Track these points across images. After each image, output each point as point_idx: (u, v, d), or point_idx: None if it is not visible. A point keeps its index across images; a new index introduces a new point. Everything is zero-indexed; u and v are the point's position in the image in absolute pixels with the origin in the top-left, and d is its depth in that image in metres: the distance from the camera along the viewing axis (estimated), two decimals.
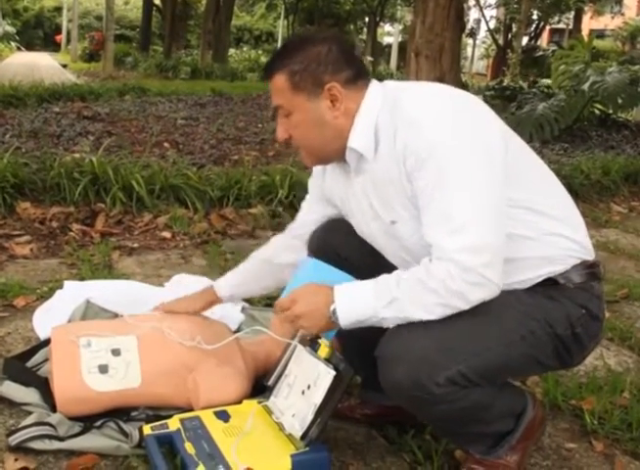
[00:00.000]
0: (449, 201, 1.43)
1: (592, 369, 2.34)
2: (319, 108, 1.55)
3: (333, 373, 1.54)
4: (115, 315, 2.25)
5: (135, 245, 3.41)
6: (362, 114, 1.55)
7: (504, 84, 10.21)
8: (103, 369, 1.72)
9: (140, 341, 1.78)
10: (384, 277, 1.48)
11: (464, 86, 10.38)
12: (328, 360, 1.58)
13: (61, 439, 1.64)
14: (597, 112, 7.99)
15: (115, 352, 1.74)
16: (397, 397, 1.50)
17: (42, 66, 24.09)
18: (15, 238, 3.37)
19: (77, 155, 4.52)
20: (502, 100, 8.00)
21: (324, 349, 1.60)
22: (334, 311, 1.48)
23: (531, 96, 7.82)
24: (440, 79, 9.20)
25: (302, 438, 1.55)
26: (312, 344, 1.65)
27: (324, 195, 1.85)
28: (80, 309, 2.24)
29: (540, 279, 1.56)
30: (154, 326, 1.81)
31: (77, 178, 3.88)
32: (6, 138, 5.21)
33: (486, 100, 8.05)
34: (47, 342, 2.09)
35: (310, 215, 1.92)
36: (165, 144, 5.71)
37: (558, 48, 13.40)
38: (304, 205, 1.96)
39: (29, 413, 1.77)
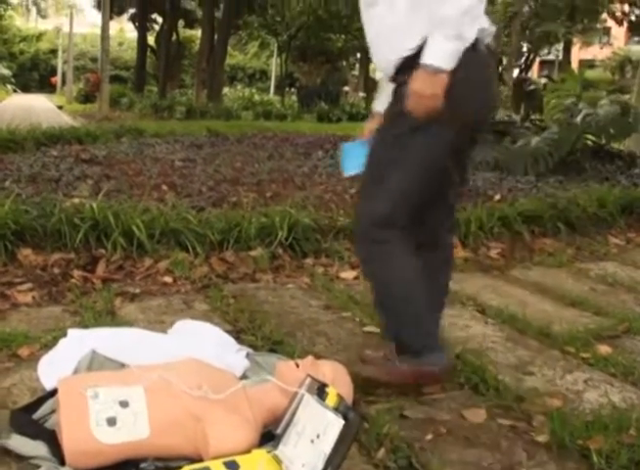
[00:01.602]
0: None
1: (597, 407, 2.35)
2: None
3: (342, 422, 1.55)
4: (122, 365, 2.25)
5: (137, 291, 3.42)
6: None
7: (497, 118, 10.29)
8: (111, 422, 1.72)
9: (147, 391, 1.79)
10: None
11: None
12: (336, 409, 1.59)
13: None
14: (590, 143, 8.05)
15: (123, 404, 1.75)
16: None
17: (38, 108, 24.30)
18: (17, 286, 3.37)
19: (77, 200, 4.55)
20: (496, 134, 8.06)
21: (332, 397, 1.61)
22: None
23: (525, 130, 7.91)
24: None
25: None
26: (319, 392, 1.66)
27: None
28: (86, 360, 2.25)
29: None
30: (160, 376, 1.81)
31: (78, 224, 3.89)
32: (6, 184, 5.23)
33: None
34: (53, 393, 2.10)
35: None
36: (164, 187, 5.74)
37: (549, 81, 13.55)
38: None
39: (37, 467, 1.77)
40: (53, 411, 2.00)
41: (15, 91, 36.88)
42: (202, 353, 2.38)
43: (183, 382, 1.81)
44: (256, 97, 26.90)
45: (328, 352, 2.74)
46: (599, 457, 1.99)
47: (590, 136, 7.87)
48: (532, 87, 13.26)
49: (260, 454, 1.71)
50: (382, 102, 2.50)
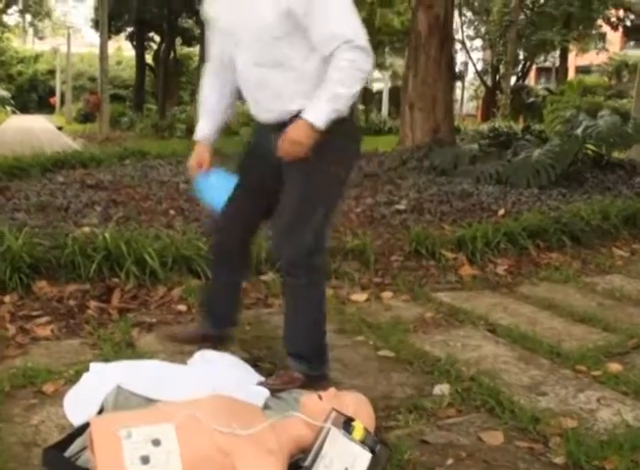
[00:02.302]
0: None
1: (611, 426, 2.41)
2: None
3: (369, 455, 1.61)
4: (147, 400, 2.30)
5: (153, 320, 3.48)
6: None
7: (497, 130, 10.39)
8: (145, 460, 1.78)
9: (178, 429, 1.84)
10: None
11: (457, 132, 10.57)
12: (363, 442, 1.65)
13: None
14: (590, 153, 8.12)
15: (156, 443, 1.81)
16: None
17: (38, 129, 24.47)
18: (35, 319, 3.43)
19: (87, 229, 4.62)
20: (497, 147, 8.15)
21: (358, 431, 1.67)
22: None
23: (526, 142, 7.99)
24: (435, 130, 9.43)
25: None
26: (346, 426, 1.72)
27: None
28: (112, 395, 2.30)
29: None
30: (190, 414, 1.87)
31: (91, 254, 3.96)
32: (15, 215, 5.30)
33: (482, 148, 8.22)
34: (82, 429, 2.15)
35: (213, 50, 2.73)
36: (171, 211, 5.81)
37: (549, 93, 13.66)
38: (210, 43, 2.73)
39: None
40: (84, 449, 2.05)
41: (14, 112, 37.04)
42: (223, 385, 2.45)
43: (212, 419, 1.87)
44: None
45: (344, 378, 2.80)
46: None
47: (590, 146, 7.94)
48: (532, 99, 13.35)
49: None
50: (207, 126, 2.83)
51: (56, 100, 38.60)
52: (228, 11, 2.51)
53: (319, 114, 2.37)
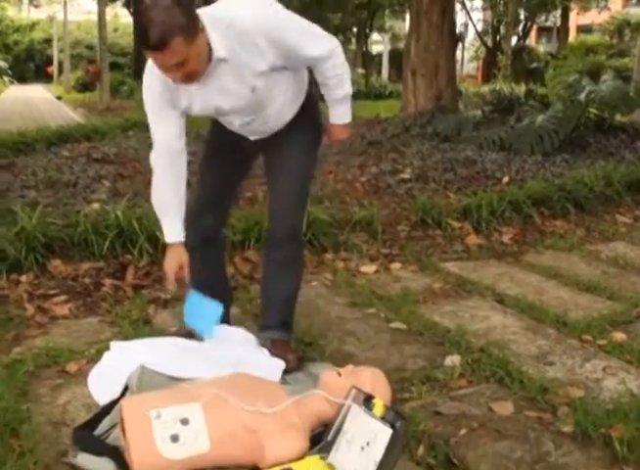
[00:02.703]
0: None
1: (617, 395, 2.50)
2: (202, 44, 2.17)
3: (390, 431, 1.70)
4: (170, 378, 2.39)
5: (168, 296, 3.56)
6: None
7: (500, 94, 10.38)
8: (174, 438, 1.87)
9: (205, 408, 1.94)
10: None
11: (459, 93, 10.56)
12: (383, 418, 1.74)
13: None
14: (593, 117, 8.13)
15: (184, 422, 1.90)
16: None
17: (37, 99, 24.35)
18: (52, 298, 3.51)
19: (97, 205, 4.69)
20: (500, 113, 8.17)
21: (379, 408, 1.76)
22: None
23: (529, 108, 8.00)
24: (438, 97, 9.44)
25: None
26: (366, 403, 1.81)
27: (175, 108, 2.45)
28: (136, 375, 2.38)
29: None
30: (216, 394, 1.96)
31: (104, 232, 4.02)
32: (25, 192, 5.35)
33: (485, 114, 8.24)
34: (108, 408, 2.25)
35: (172, 129, 2.49)
36: None
37: (551, 58, 13.60)
38: (159, 127, 2.51)
39: None
40: (112, 427, 2.15)
41: (12, 83, 36.82)
42: (242, 361, 2.54)
43: (237, 398, 1.96)
44: None
45: (358, 351, 2.89)
46: (621, 445, 2.13)
47: (593, 110, 7.95)
48: (535, 65, 13.30)
49: (314, 461, 1.86)
50: (178, 224, 2.63)
51: (53, 69, 38.31)
52: (209, 102, 2.44)
53: (345, 115, 2.70)
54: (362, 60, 28.92)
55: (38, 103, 22.52)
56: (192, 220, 2.69)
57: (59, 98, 25.15)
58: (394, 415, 1.74)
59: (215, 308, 2.61)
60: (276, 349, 2.71)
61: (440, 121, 8.40)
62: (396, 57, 27.36)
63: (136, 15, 2.12)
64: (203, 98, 2.42)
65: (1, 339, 2.99)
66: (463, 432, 2.25)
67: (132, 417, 1.91)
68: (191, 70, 2.20)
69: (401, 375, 2.65)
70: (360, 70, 26.75)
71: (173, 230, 2.63)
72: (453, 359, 2.77)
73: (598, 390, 2.56)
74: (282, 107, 2.57)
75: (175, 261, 2.62)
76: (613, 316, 3.26)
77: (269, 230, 2.81)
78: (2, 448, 2.12)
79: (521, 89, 14.33)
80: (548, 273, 3.94)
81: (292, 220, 2.73)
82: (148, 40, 2.03)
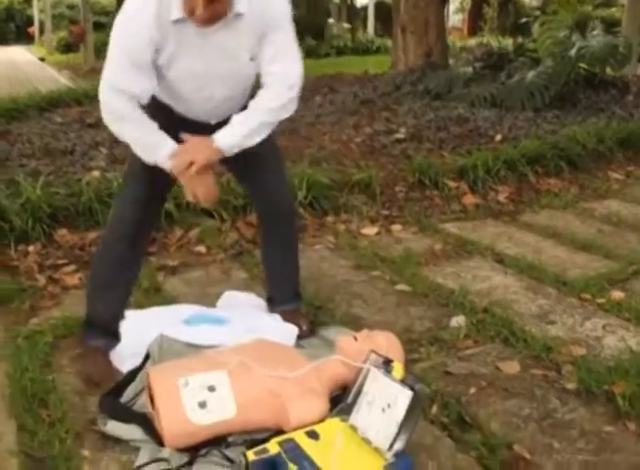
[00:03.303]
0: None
1: (617, 352, 2.61)
2: None
3: (410, 393, 1.80)
4: (188, 345, 2.48)
5: (175, 263, 3.63)
6: None
7: (489, 48, 10.38)
8: (202, 405, 1.97)
9: (230, 375, 2.03)
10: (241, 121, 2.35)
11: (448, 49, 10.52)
12: (402, 381, 1.84)
13: None
14: (583, 72, 8.14)
15: (211, 389, 1.99)
16: None
17: (21, 62, 23.95)
18: (61, 268, 3.57)
19: (97, 172, 4.73)
20: (491, 70, 8.18)
21: (398, 371, 1.86)
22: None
23: (520, 64, 8.01)
24: (428, 53, 9.43)
25: (389, 449, 1.81)
26: (385, 366, 1.90)
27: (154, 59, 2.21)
28: (156, 343, 2.46)
29: None
30: (240, 360, 2.05)
31: (107, 201, 4.06)
32: (23, 161, 5.37)
33: (476, 71, 8.25)
34: (132, 376, 2.35)
35: (149, 83, 2.25)
36: None
37: (541, 13, 13.55)
38: (133, 77, 2.19)
39: (137, 449, 2.03)
40: (136, 395, 2.25)
41: None
42: (256, 326, 2.64)
43: (260, 364, 2.05)
44: None
45: (366, 314, 2.99)
46: (623, 401, 2.25)
47: (583, 64, 7.97)
48: (524, 20, 13.24)
49: (336, 423, 1.96)
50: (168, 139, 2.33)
51: (34, 30, 37.65)
52: (201, 61, 2.28)
53: (233, 141, 2.42)
54: (347, 14, 28.57)
55: (22, 65, 22.20)
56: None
57: (42, 60, 24.75)
58: (413, 378, 1.84)
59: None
60: (288, 316, 2.80)
61: (431, 79, 8.40)
62: (382, 10, 27.02)
63: None
64: (196, 54, 2.24)
65: (18, 310, 3.07)
66: (473, 391, 2.36)
67: (161, 386, 2.00)
68: (220, 9, 2.12)
69: (409, 336, 2.75)
70: (346, 25, 26.45)
71: (164, 145, 2.31)
72: (458, 320, 2.87)
73: (599, 347, 2.67)
74: (246, 95, 2.48)
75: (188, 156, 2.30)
76: (610, 275, 3.37)
77: (269, 209, 2.74)
78: (32, 419, 2.22)
79: (508, 43, 14.30)
80: (545, 232, 4.04)
81: (288, 197, 2.81)
82: None
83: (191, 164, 2.27)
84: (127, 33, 2.16)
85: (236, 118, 2.36)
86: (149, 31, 2.14)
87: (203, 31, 2.19)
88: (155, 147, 2.31)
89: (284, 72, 2.36)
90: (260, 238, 2.96)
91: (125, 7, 2.17)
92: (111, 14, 31.24)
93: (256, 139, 2.38)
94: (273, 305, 2.90)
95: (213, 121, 2.46)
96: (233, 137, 2.34)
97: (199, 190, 2.36)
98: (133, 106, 2.24)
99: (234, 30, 2.23)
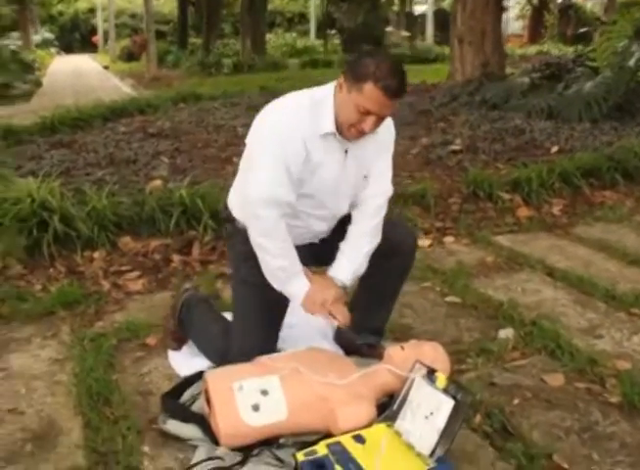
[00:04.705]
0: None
1: None
2: None
3: (452, 402, 1.88)
4: None
5: None
6: None
7: (547, 55, 10.30)
8: (255, 408, 2.09)
9: (282, 380, 2.15)
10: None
11: (505, 58, 10.49)
12: (445, 391, 1.93)
13: (229, 468, 2.02)
14: None
15: (264, 393, 2.11)
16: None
17: (85, 70, 24.74)
18: (125, 274, 3.75)
19: (159, 182, 4.92)
20: (548, 80, 8.17)
21: (441, 381, 1.95)
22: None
23: (578, 75, 7.98)
24: (485, 64, 9.44)
25: (431, 455, 1.90)
26: (429, 376, 1.99)
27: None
28: None
29: None
30: (292, 367, 2.17)
31: (169, 210, 4.24)
32: (88, 170, 5.59)
33: (533, 81, 8.24)
34: (191, 380, 2.48)
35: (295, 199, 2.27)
36: (234, 159, 6.05)
37: (601, 24, 13.39)
38: (289, 191, 2.23)
39: (193, 447, 2.16)
40: (194, 397, 2.38)
41: (59, 53, 37.30)
42: (310, 335, 2.75)
43: (311, 371, 2.16)
44: (299, 44, 26.89)
45: (416, 324, 3.07)
46: None
47: None
48: (584, 29, 13.10)
49: (382, 428, 2.05)
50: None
51: (98, 38, 38.69)
52: (341, 171, 2.34)
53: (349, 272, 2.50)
54: (405, 22, 28.61)
55: (87, 72, 22.92)
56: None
57: (106, 67, 25.50)
58: (456, 388, 1.93)
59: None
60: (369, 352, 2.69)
61: (488, 89, 8.43)
62: (441, 17, 26.97)
63: (382, 62, 2.11)
64: (338, 164, 2.31)
65: (84, 313, 3.25)
66: (516, 401, 2.43)
67: (217, 389, 2.13)
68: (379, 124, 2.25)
69: (457, 347, 2.82)
70: (404, 33, 26.48)
71: (301, 280, 2.37)
72: (507, 332, 2.93)
73: None
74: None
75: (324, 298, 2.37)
76: None
77: (393, 240, 2.55)
78: (97, 416, 2.37)
79: (569, 50, 14.15)
80: (597, 246, 4.06)
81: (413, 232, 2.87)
82: (396, 87, 2.11)
83: (323, 303, 2.34)
84: (283, 149, 2.18)
85: (346, 251, 2.44)
86: (304, 147, 2.21)
87: (346, 144, 2.31)
88: (288, 279, 2.33)
89: (385, 190, 2.49)
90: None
91: (275, 120, 2.24)
92: (171, 22, 32.02)
93: (366, 264, 2.46)
94: (361, 326, 2.61)
95: (308, 242, 2.53)
96: (349, 272, 2.43)
97: (334, 319, 2.37)
98: (283, 223, 2.27)
99: (366, 146, 2.35)
